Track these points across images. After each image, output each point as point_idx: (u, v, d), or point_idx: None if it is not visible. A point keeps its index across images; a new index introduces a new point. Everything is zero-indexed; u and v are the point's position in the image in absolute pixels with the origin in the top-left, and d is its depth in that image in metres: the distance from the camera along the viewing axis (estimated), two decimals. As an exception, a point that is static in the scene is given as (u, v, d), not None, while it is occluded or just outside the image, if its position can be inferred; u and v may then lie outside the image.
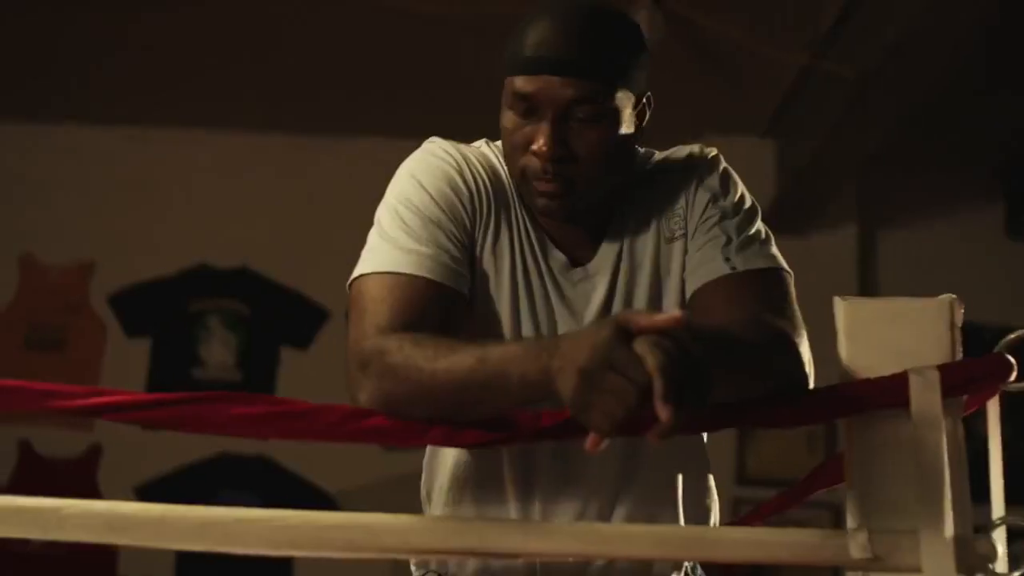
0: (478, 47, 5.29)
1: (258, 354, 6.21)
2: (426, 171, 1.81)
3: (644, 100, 1.81)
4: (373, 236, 1.79)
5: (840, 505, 5.80)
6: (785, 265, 1.80)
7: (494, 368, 1.55)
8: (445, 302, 1.72)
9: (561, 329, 1.79)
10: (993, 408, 1.69)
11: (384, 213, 1.80)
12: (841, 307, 1.65)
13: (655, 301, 1.81)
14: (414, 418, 1.62)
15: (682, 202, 1.85)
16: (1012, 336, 1.64)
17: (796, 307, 1.76)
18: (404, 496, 5.37)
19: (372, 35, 5.22)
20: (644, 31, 5.32)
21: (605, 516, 1.80)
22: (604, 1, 1.82)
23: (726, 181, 1.87)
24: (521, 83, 1.73)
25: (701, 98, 5.56)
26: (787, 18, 5.13)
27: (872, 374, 1.60)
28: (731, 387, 1.54)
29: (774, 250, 1.82)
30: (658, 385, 1.37)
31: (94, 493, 5.83)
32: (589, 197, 1.77)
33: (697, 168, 1.88)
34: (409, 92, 5.62)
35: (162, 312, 6.21)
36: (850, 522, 1.59)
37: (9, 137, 6.25)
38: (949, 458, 1.56)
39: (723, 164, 1.89)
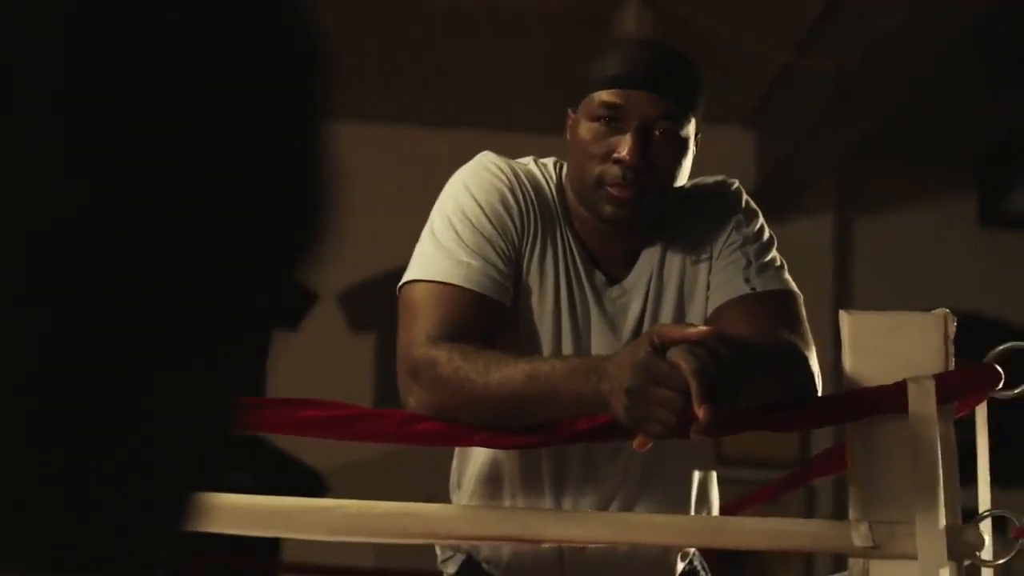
0: (474, 36, 5.47)
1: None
2: (480, 185, 1.96)
3: (698, 136, 1.98)
4: (426, 242, 1.94)
5: (814, 487, 5.97)
6: (796, 289, 1.98)
7: (544, 386, 1.72)
8: (489, 314, 1.88)
9: (597, 340, 1.95)
10: (981, 412, 1.87)
11: (438, 220, 1.95)
12: (845, 320, 1.83)
13: (679, 316, 1.98)
14: (461, 423, 1.79)
15: (707, 228, 2.01)
16: (1000, 348, 1.82)
17: (807, 326, 1.93)
18: (392, 474, 5.51)
19: (371, 22, 5.35)
20: (633, 26, 5.43)
21: (628, 508, 1.97)
22: None
23: (748, 211, 2.04)
24: (608, 96, 1.90)
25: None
26: (771, 14, 5.30)
27: (873, 381, 1.78)
28: (752, 392, 1.72)
29: (787, 276, 2.00)
30: (694, 387, 1.56)
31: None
32: (653, 210, 1.94)
33: (722, 197, 2.05)
34: (408, 79, 5.76)
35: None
36: (852, 514, 1.77)
37: None
38: (942, 457, 1.74)
39: (745, 196, 2.07)
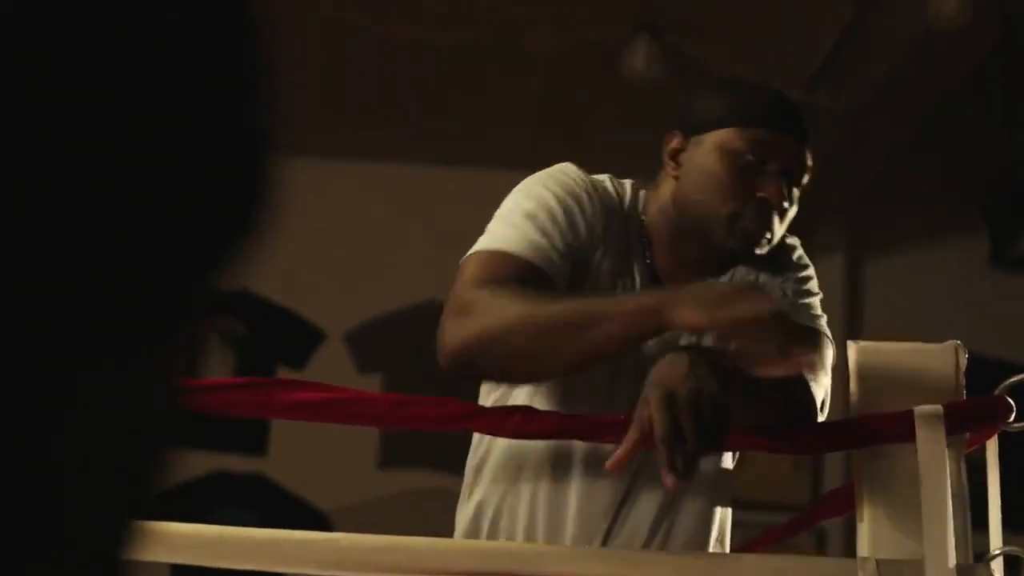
0: (483, 74, 5.44)
1: (254, 373, 6.30)
2: (557, 183, 1.92)
3: None
4: (491, 225, 1.90)
5: (825, 531, 5.88)
6: (829, 335, 1.95)
7: (600, 303, 1.74)
8: (541, 286, 1.81)
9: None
10: (992, 447, 1.82)
11: (507, 204, 1.92)
12: (853, 350, 1.77)
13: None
14: (506, 355, 1.73)
15: (765, 269, 2.01)
16: (1013, 379, 1.77)
17: (828, 368, 1.88)
18: (397, 514, 5.43)
19: (381, 62, 5.33)
20: (642, 62, 5.39)
21: (653, 533, 1.91)
22: None
23: (802, 263, 2.05)
24: (762, 134, 1.90)
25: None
26: (780, 53, 5.27)
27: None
28: (751, 413, 1.73)
29: (823, 323, 1.98)
30: (662, 454, 1.58)
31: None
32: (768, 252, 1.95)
33: (783, 247, 2.03)
34: (417, 118, 5.73)
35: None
36: (860, 551, 1.71)
37: None
38: (952, 492, 1.68)
39: (800, 250, 2.06)
